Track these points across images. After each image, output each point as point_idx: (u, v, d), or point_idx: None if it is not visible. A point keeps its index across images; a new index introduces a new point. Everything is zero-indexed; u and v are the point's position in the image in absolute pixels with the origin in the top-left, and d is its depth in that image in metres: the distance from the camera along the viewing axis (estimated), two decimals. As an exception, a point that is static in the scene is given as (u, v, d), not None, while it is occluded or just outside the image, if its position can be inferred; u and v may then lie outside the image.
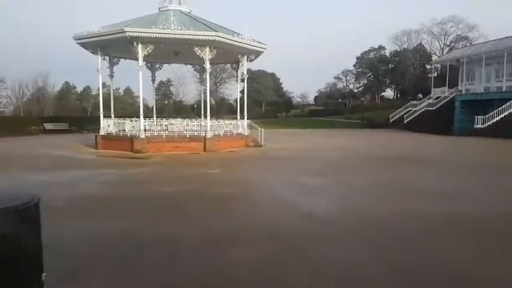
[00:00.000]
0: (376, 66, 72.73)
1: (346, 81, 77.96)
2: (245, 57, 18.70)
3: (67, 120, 34.02)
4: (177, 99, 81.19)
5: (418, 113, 36.57)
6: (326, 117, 64.53)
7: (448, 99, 36.02)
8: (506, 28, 51.65)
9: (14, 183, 9.34)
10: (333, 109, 71.19)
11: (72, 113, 62.14)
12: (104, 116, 18.31)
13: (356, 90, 77.66)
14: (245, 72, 19.07)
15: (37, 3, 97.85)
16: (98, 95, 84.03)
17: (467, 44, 63.00)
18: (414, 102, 39.41)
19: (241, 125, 19.45)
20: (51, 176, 10.53)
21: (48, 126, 31.51)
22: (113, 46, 17.23)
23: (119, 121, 17.65)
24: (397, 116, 39.29)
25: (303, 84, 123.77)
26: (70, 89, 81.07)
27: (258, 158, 15.51)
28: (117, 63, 20.08)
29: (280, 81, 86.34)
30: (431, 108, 36.40)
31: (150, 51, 16.14)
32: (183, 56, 20.33)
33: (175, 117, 23.02)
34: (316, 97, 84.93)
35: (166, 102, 77.32)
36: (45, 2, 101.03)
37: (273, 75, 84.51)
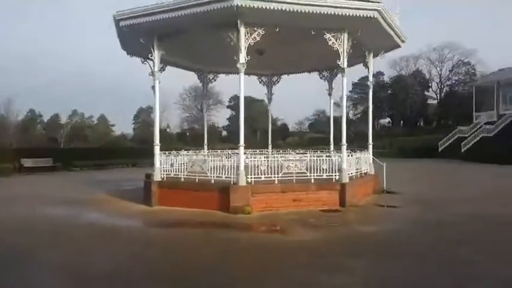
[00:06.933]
0: (375, 92, 69.36)
1: (347, 107, 73.85)
2: (371, 54, 12.37)
3: (51, 153, 25.56)
4: (162, 127, 73.41)
5: (476, 139, 31.72)
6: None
7: (506, 123, 31.66)
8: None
9: None
10: (335, 137, 66.20)
11: (38, 144, 52.40)
12: (155, 149, 10.96)
13: (355, 118, 73.58)
14: (371, 79, 12.64)
15: None
16: (69, 124, 73.39)
17: (471, 70, 61.54)
18: (462, 128, 34.70)
19: (366, 160, 12.80)
20: None
21: (27, 162, 23.12)
22: (186, 33, 10.24)
23: (195, 157, 10.21)
24: (446, 144, 34.36)
25: (288, 112, 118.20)
26: (36, 117, 70.80)
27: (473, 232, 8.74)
28: (164, 70, 13.12)
29: (268, 108, 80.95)
30: (488, 135, 31.67)
31: (257, 38, 9.41)
32: (263, 59, 13.67)
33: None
34: (311, 124, 80.00)
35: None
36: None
37: (262, 102, 79.00)
